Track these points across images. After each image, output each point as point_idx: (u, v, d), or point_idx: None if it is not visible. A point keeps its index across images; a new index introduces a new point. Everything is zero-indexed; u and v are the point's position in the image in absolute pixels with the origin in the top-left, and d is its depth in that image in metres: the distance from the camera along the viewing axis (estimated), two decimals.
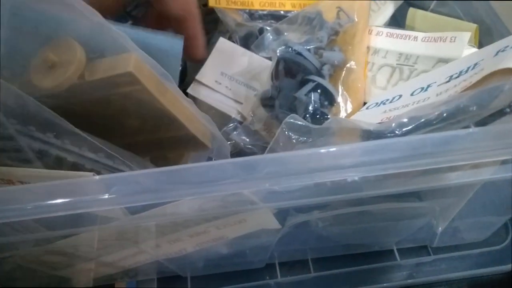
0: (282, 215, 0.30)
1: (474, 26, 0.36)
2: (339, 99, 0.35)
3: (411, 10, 0.41)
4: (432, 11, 0.42)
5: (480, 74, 0.23)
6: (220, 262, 0.36)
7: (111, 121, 0.29)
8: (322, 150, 0.21)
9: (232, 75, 0.40)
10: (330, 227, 0.34)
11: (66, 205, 0.21)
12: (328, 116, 0.33)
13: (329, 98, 0.35)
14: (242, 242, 0.33)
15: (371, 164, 0.21)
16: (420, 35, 0.34)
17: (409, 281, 0.36)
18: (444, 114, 0.22)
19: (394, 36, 0.36)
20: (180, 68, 0.35)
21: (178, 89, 0.29)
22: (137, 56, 0.26)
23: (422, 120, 0.22)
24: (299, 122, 0.26)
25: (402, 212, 0.33)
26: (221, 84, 0.40)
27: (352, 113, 0.34)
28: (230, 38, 0.42)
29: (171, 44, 0.35)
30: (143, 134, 0.31)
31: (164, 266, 0.35)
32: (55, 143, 0.26)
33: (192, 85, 0.39)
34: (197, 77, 0.40)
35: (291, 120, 0.27)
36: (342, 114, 0.35)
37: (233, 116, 0.40)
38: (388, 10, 0.43)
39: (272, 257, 0.37)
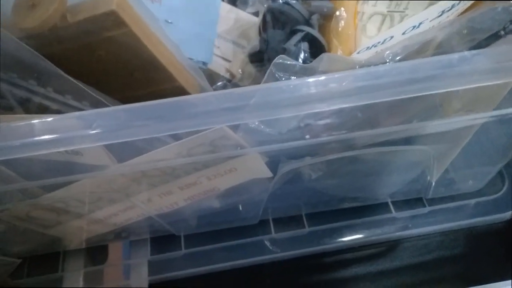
0: (273, 163, 0.29)
1: None
2: (330, 48, 0.34)
3: None
4: None
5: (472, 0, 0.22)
6: (213, 219, 0.35)
7: (96, 75, 0.28)
8: (311, 79, 0.21)
9: (219, 33, 0.39)
10: (323, 179, 0.33)
11: (48, 142, 0.20)
12: None
13: (318, 48, 0.34)
14: (235, 195, 0.32)
15: (363, 92, 0.21)
16: None
17: (405, 232, 0.36)
18: (438, 40, 0.21)
19: None
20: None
21: (164, 31, 0.28)
22: None
23: (415, 47, 0.22)
24: (289, 62, 0.26)
25: (396, 159, 0.32)
26: None
27: None
28: None
29: None
30: (129, 89, 0.30)
31: (157, 224, 0.34)
32: (38, 91, 0.25)
33: None
34: None
35: (280, 61, 0.26)
36: None
37: (221, 74, 0.39)
38: None
39: (266, 213, 0.36)
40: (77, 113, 0.20)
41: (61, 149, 0.20)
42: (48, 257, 0.36)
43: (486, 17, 0.21)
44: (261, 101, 0.21)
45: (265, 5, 0.36)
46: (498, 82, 0.21)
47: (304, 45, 0.34)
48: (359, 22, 0.35)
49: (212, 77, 0.38)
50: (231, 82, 0.39)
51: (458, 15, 0.23)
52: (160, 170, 0.27)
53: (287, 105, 0.21)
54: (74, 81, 0.24)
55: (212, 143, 0.25)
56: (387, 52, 0.22)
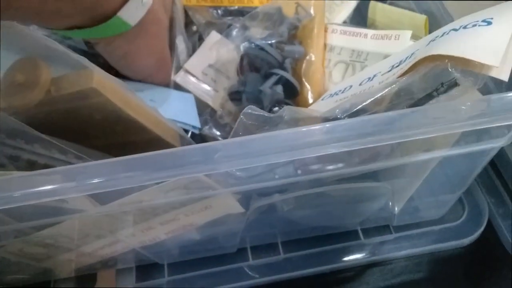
0: (245, 200, 0.32)
1: (424, 17, 0.39)
2: (302, 90, 0.37)
3: (372, 3, 0.43)
4: (391, 4, 0.45)
5: (413, 61, 0.26)
6: (194, 249, 0.38)
7: (80, 127, 0.31)
8: (271, 134, 0.24)
9: (218, 68, 0.41)
10: (295, 211, 0.36)
11: (35, 194, 0.22)
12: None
13: (292, 90, 0.37)
14: (212, 228, 0.35)
15: (316, 145, 0.24)
16: (370, 32, 0.36)
17: (372, 258, 0.39)
18: (379, 99, 0.24)
19: (347, 33, 0.38)
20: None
21: (142, 99, 0.31)
22: (99, 71, 0.28)
23: (361, 105, 0.25)
24: (256, 112, 0.29)
25: (359, 194, 0.35)
26: (207, 75, 0.41)
27: (314, 102, 0.37)
28: (199, 37, 0.44)
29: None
30: (112, 138, 0.33)
31: (142, 254, 0.37)
32: (26, 148, 0.28)
33: (179, 73, 0.40)
34: (186, 65, 0.40)
35: (249, 111, 0.29)
36: (306, 104, 0.37)
37: (207, 102, 0.41)
38: (351, 3, 0.45)
39: (244, 242, 0.39)
40: (63, 168, 0.23)
41: (51, 199, 0.23)
42: (39, 285, 0.38)
43: (421, 80, 0.24)
44: (228, 154, 0.24)
45: (242, 49, 0.39)
46: (435, 135, 0.24)
47: (279, 88, 0.37)
48: (326, 69, 0.39)
49: (197, 105, 0.41)
50: (212, 117, 0.42)
51: (400, 75, 0.26)
52: (140, 209, 0.30)
53: (252, 157, 0.24)
54: (57, 143, 0.27)
55: (187, 186, 0.28)
56: (338, 109, 0.26)
